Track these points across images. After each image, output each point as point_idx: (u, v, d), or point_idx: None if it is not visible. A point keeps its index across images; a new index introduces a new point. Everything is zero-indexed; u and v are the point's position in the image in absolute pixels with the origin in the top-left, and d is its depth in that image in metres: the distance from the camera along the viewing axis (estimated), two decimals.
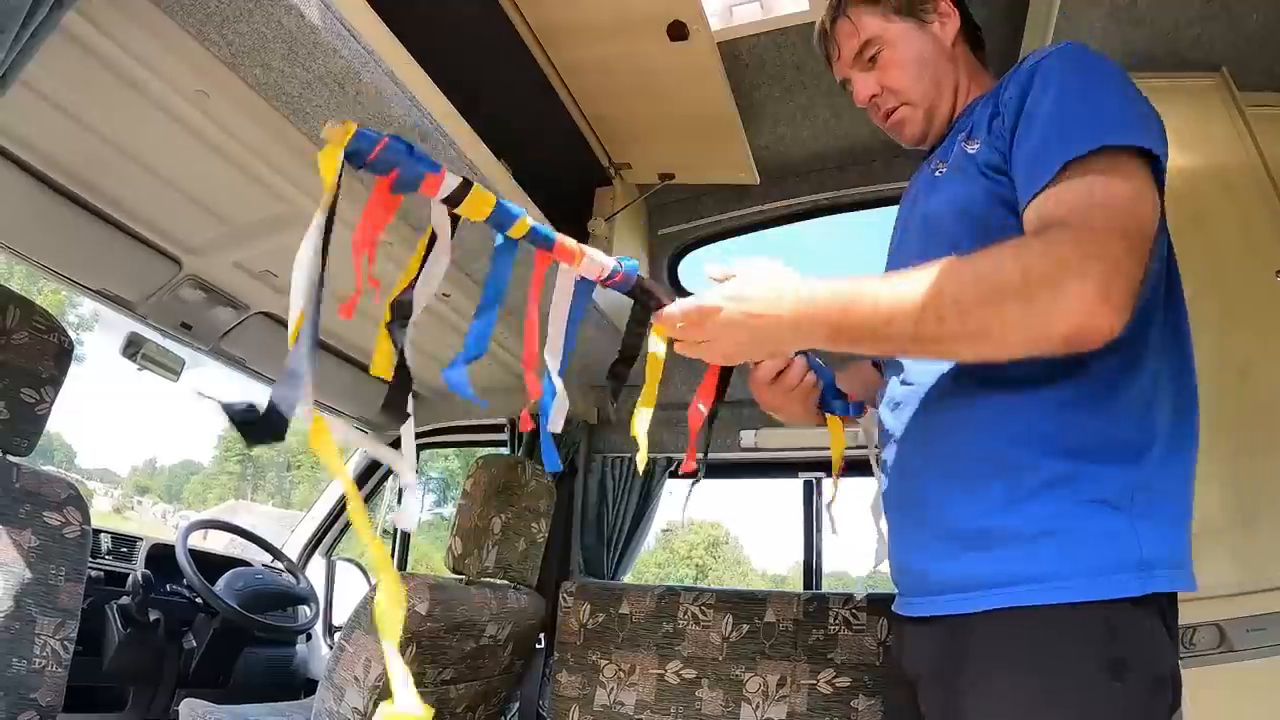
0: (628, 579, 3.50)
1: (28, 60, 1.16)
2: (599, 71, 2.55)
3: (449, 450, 4.60)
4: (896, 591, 1.56)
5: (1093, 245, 1.11)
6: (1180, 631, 1.47)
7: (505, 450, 3.64)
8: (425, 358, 3.41)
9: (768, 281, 1.24)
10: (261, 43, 1.49)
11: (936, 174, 1.55)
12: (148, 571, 3.21)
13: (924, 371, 1.46)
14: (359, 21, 1.51)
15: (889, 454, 1.55)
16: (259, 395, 0.90)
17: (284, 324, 3.19)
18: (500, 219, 1.22)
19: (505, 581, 2.79)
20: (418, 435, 4.24)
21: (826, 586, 3.21)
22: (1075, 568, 1.21)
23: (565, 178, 2.62)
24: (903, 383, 1.53)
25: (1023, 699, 1.21)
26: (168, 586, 3.40)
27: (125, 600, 3.12)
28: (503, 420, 3.68)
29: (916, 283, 1.15)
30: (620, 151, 2.87)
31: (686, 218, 3.40)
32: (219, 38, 1.50)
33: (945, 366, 1.42)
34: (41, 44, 1.18)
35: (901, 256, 1.61)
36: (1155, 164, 1.21)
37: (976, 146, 1.41)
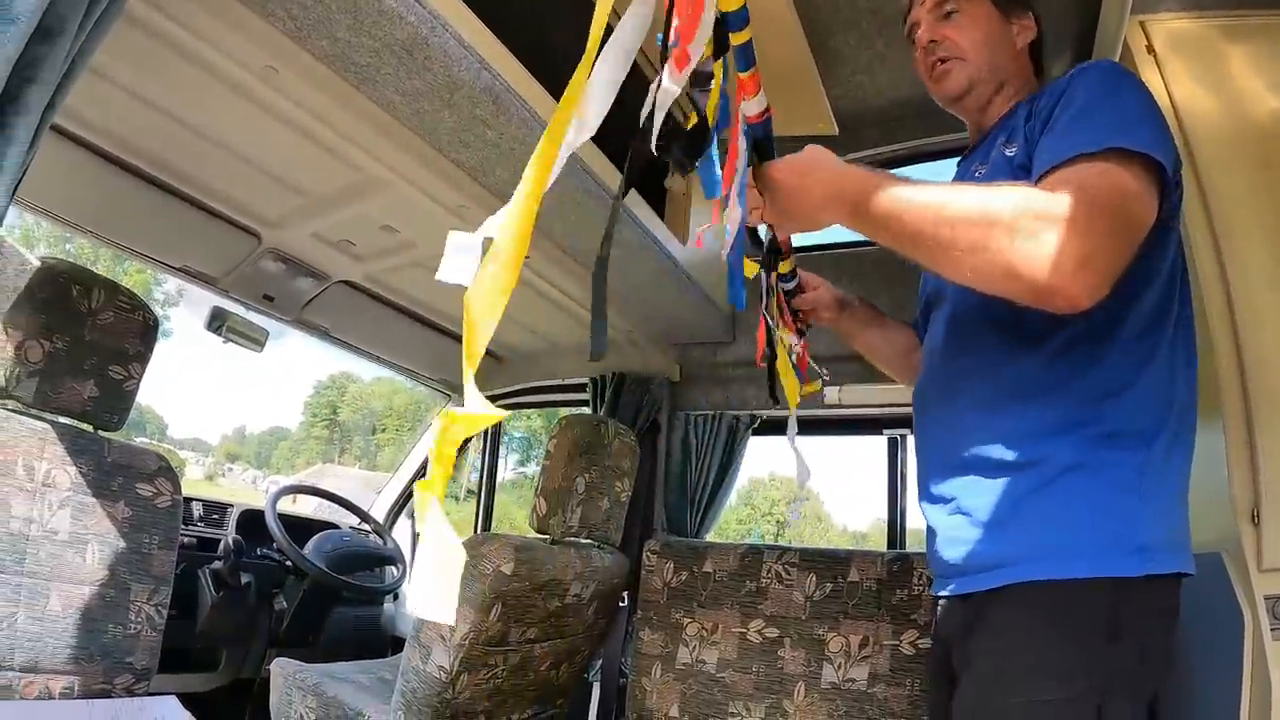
0: (711, 536, 3.49)
1: (95, 48, 1.17)
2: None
3: (531, 410, 4.63)
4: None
5: (1088, 215, 1.22)
6: (1270, 603, 1.76)
7: (587, 409, 3.64)
8: (506, 320, 3.41)
9: (832, 157, 1.44)
10: (326, 14, 1.49)
11: (977, 174, 1.68)
12: (239, 536, 3.30)
13: (951, 359, 1.66)
14: None
15: (921, 447, 1.75)
16: None
17: (365, 292, 3.22)
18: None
19: (589, 541, 2.80)
20: (498, 396, 4.28)
21: (909, 545, 3.17)
22: (1083, 548, 1.38)
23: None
24: (931, 372, 1.73)
25: (1028, 649, 1.39)
26: (258, 550, 3.49)
27: (217, 564, 3.21)
28: (584, 379, 3.69)
29: (931, 192, 1.30)
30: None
31: None
32: (283, 13, 1.50)
33: (970, 353, 1.61)
34: (107, 31, 1.18)
35: None
36: (1162, 174, 1.31)
37: (1015, 150, 1.55)
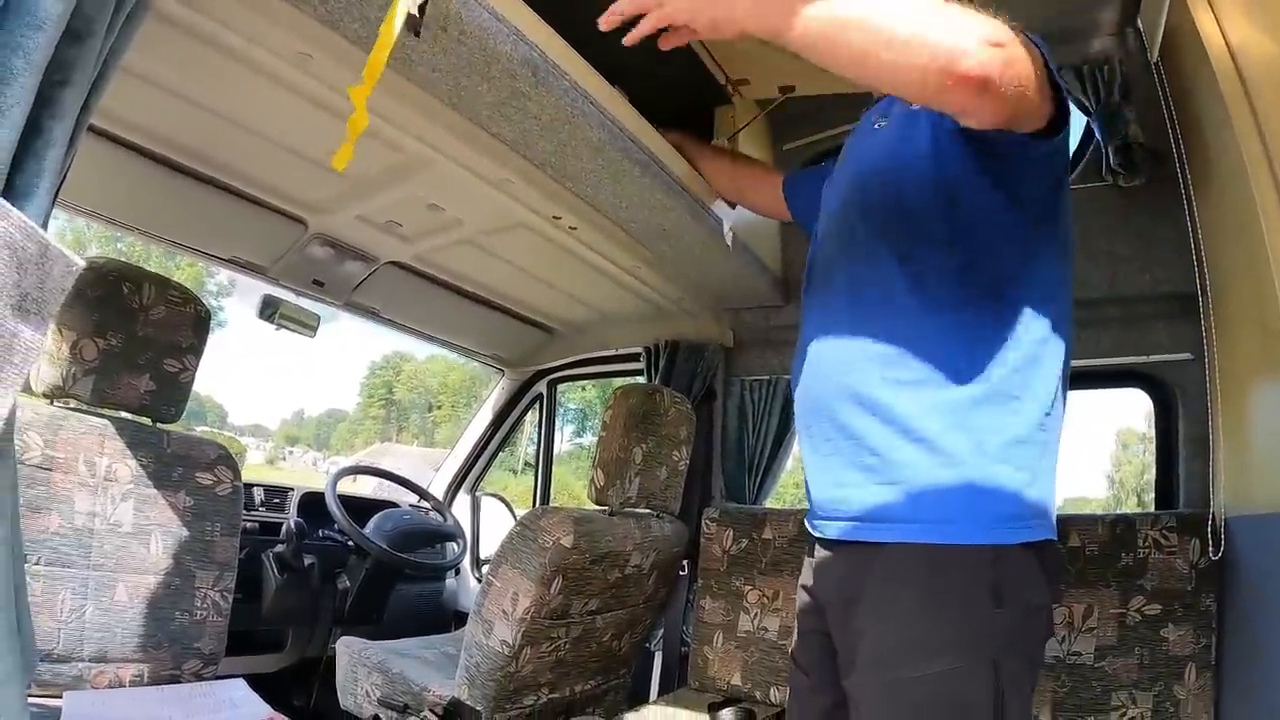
0: (769, 502, 3.48)
1: (126, 46, 1.17)
2: None
3: (585, 381, 4.64)
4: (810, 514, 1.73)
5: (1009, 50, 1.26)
6: None
7: (641, 379, 3.63)
8: (557, 293, 3.42)
9: None
10: None
11: (877, 126, 1.77)
12: (300, 520, 3.35)
13: (844, 290, 1.65)
14: None
15: (803, 379, 1.72)
16: None
17: (414, 272, 3.22)
18: None
19: (648, 511, 2.81)
20: (553, 369, 4.32)
21: None
22: (966, 514, 1.41)
23: (683, 99, 2.56)
24: (819, 300, 1.73)
25: (915, 612, 1.43)
26: (320, 532, 3.54)
27: (280, 548, 3.27)
28: (638, 349, 3.68)
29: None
30: (737, 68, 2.75)
31: (812, 130, 3.27)
32: None
33: (864, 288, 1.61)
34: (137, 30, 1.18)
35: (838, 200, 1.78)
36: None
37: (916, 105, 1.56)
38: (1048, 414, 1.47)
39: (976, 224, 1.51)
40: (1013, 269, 1.50)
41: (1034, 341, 1.48)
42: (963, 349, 1.48)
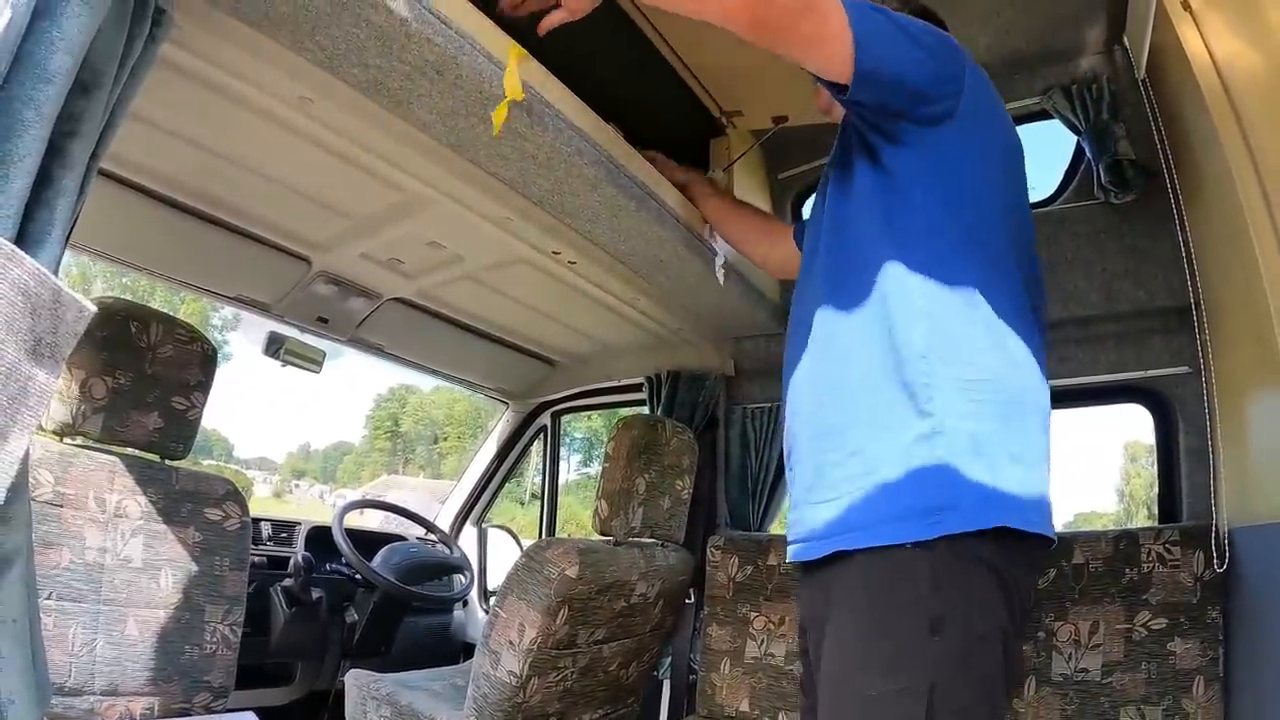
0: (774, 528, 3.49)
1: (133, 95, 1.20)
2: (699, 21, 2.48)
3: (590, 411, 4.65)
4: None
5: None
6: None
7: (645, 409, 3.65)
8: (558, 326, 3.44)
9: None
10: (355, 44, 1.51)
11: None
12: (308, 554, 3.37)
13: (807, 340, 1.68)
14: (448, 8, 1.52)
15: (787, 420, 1.76)
16: None
17: (417, 308, 3.25)
18: None
19: (653, 540, 2.82)
20: (556, 400, 4.34)
21: None
22: (895, 513, 1.41)
23: (677, 133, 2.59)
24: (793, 352, 1.75)
25: (856, 633, 1.44)
26: (328, 565, 3.55)
27: (288, 582, 3.27)
28: (640, 380, 3.70)
29: None
30: (730, 100, 2.79)
31: (806, 159, 3.30)
32: (313, 44, 1.52)
33: (820, 341, 1.66)
34: (143, 79, 1.22)
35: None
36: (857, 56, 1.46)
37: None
38: (972, 402, 1.43)
39: (855, 223, 1.62)
40: (890, 263, 1.53)
41: (932, 333, 1.46)
42: (870, 355, 1.52)
